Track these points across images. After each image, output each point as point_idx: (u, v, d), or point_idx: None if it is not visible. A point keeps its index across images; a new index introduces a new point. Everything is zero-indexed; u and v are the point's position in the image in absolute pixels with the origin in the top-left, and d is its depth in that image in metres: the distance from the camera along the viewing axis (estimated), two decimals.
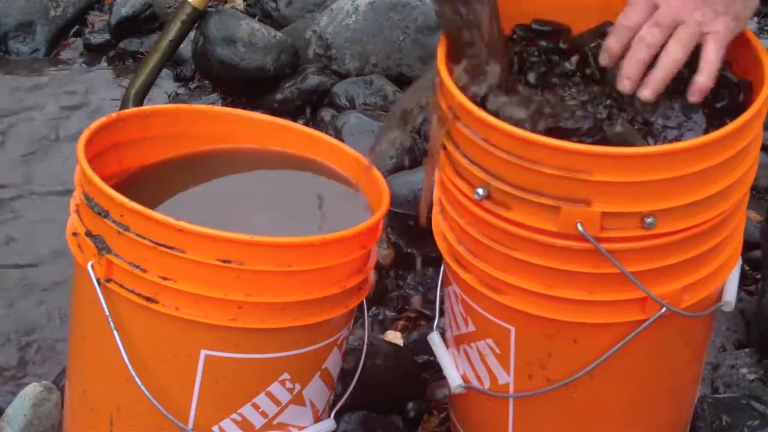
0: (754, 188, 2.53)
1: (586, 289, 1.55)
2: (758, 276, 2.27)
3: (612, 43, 1.57)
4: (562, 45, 1.71)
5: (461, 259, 1.63)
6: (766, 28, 3.12)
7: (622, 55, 1.56)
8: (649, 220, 1.49)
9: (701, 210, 1.52)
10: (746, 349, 2.08)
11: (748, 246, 2.30)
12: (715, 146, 1.49)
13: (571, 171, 1.46)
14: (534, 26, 1.73)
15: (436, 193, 1.67)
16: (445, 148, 1.59)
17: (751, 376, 2.02)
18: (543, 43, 1.71)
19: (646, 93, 1.53)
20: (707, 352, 2.05)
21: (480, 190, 1.53)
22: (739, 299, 2.19)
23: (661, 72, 1.53)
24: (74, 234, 1.65)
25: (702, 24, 1.52)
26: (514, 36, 1.72)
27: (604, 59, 1.59)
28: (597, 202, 1.48)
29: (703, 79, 1.53)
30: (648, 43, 1.53)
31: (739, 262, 1.68)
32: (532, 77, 1.65)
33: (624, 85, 1.55)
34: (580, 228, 1.49)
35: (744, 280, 2.27)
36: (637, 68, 1.54)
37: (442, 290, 1.79)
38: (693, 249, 1.55)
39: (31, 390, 1.94)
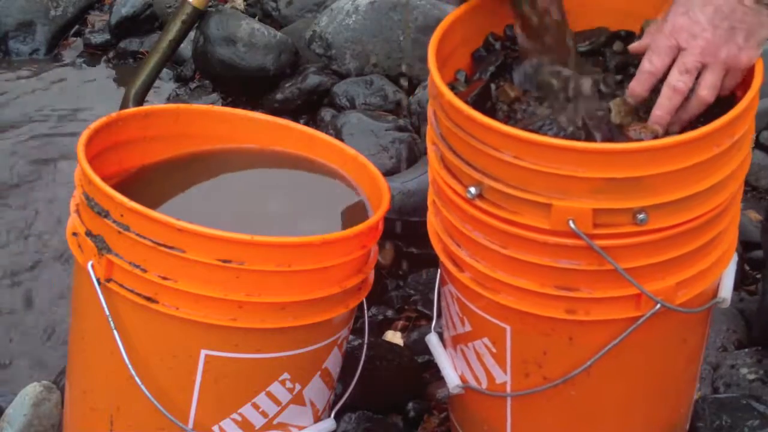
0: (754, 188, 2.53)
1: (580, 287, 1.55)
2: (758, 276, 2.27)
3: (638, 89, 1.59)
4: None
5: (456, 259, 1.63)
6: None
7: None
8: (640, 216, 1.49)
9: (693, 205, 1.52)
10: (746, 349, 2.08)
11: (748, 246, 2.30)
12: (706, 141, 1.49)
13: (562, 168, 1.46)
14: None
15: (430, 194, 1.68)
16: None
17: (751, 376, 2.02)
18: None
19: (675, 128, 1.57)
20: (707, 351, 2.05)
21: (472, 189, 1.54)
22: (739, 299, 2.20)
23: (691, 114, 1.57)
24: (74, 234, 1.65)
25: (726, 63, 1.55)
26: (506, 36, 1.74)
27: (630, 103, 1.60)
28: (588, 199, 1.48)
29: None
30: (680, 90, 1.55)
31: (735, 258, 1.68)
32: (517, 79, 1.66)
33: (655, 130, 1.57)
34: (572, 225, 1.49)
35: (744, 279, 2.27)
36: (670, 117, 1.56)
37: (439, 290, 1.79)
38: (686, 245, 1.55)
39: (31, 390, 1.94)
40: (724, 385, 2.02)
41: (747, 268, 2.29)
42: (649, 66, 1.57)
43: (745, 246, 2.30)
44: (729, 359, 2.06)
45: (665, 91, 1.56)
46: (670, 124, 1.57)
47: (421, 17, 2.81)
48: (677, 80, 1.55)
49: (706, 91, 1.55)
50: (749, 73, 1.57)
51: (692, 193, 1.50)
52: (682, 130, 1.57)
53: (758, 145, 2.61)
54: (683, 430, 1.84)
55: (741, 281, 2.26)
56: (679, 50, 1.55)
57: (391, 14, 2.83)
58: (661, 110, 1.56)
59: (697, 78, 1.55)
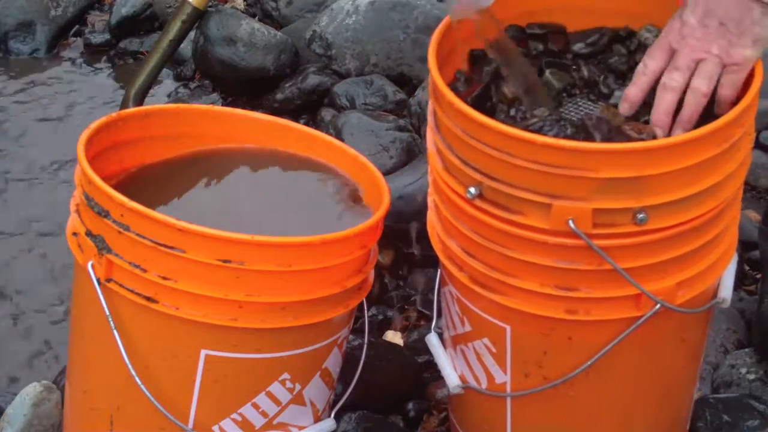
0: (754, 188, 2.54)
1: (579, 287, 1.55)
2: (758, 276, 2.27)
3: (633, 92, 1.58)
4: (552, 47, 1.72)
5: (456, 259, 1.63)
6: None
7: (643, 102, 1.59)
8: (640, 216, 1.49)
9: (693, 205, 1.52)
10: (746, 349, 2.08)
11: (748, 246, 2.30)
12: (705, 141, 1.49)
13: (562, 168, 1.46)
14: (528, 30, 1.74)
15: (430, 194, 1.68)
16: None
17: (751, 376, 2.02)
18: (536, 45, 1.72)
19: (678, 133, 1.55)
20: (707, 351, 2.05)
21: (472, 189, 1.54)
22: (739, 299, 2.20)
23: (689, 111, 1.55)
24: (74, 234, 1.65)
25: (720, 56, 1.54)
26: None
27: (624, 108, 1.59)
28: (588, 199, 1.48)
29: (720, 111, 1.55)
30: (671, 87, 1.55)
31: (735, 257, 1.68)
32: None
33: (657, 133, 1.56)
34: (572, 225, 1.49)
35: (744, 279, 2.27)
36: (666, 117, 1.56)
37: (439, 291, 1.79)
38: (686, 245, 1.55)
39: (31, 390, 1.94)
40: (724, 385, 2.02)
41: (746, 268, 2.30)
42: (642, 68, 1.58)
43: (745, 246, 2.30)
44: (729, 359, 2.06)
45: (658, 91, 1.56)
46: (674, 127, 1.56)
47: (421, 17, 2.81)
48: (668, 78, 1.55)
49: (699, 81, 1.54)
50: (749, 73, 1.57)
51: (692, 193, 1.50)
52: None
53: (758, 145, 2.61)
54: (684, 429, 1.84)
55: (741, 281, 2.27)
56: (672, 53, 1.56)
57: (391, 14, 2.83)
58: (657, 111, 1.56)
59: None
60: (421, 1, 2.84)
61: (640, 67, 1.58)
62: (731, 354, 2.08)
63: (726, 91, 1.55)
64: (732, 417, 1.87)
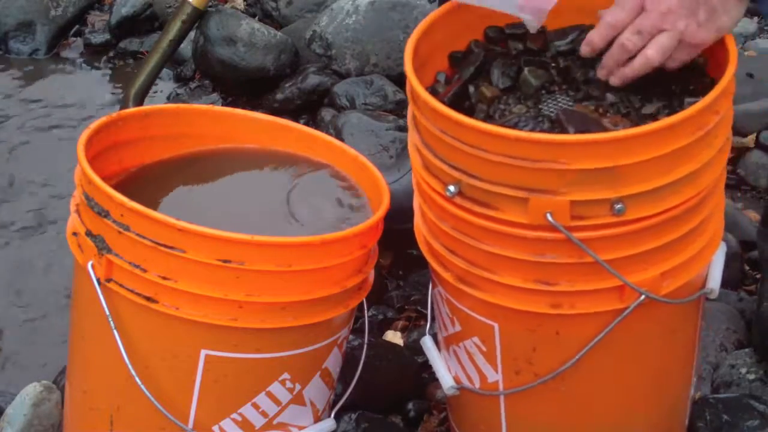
0: (754, 188, 2.54)
1: (562, 281, 1.55)
2: (758, 276, 2.26)
3: (595, 38, 1.61)
4: (531, 46, 1.72)
5: (441, 258, 1.63)
6: (766, 27, 3.12)
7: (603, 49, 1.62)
8: (618, 206, 1.49)
9: (670, 194, 1.51)
10: (746, 349, 2.08)
11: (748, 246, 2.30)
12: (679, 129, 1.49)
13: (537, 161, 1.47)
14: (507, 31, 1.74)
15: (416, 197, 1.68)
16: None
17: (751, 376, 2.02)
18: (515, 45, 1.72)
19: (614, 80, 1.60)
20: (707, 351, 2.05)
21: (451, 187, 1.54)
22: (738, 299, 2.20)
23: (633, 71, 1.59)
24: (74, 234, 1.65)
25: (683, 34, 1.55)
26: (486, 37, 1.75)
27: (585, 51, 1.63)
28: (565, 191, 1.48)
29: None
30: (627, 49, 1.58)
31: (723, 247, 1.67)
32: (497, 79, 1.67)
33: (601, 73, 1.62)
34: (550, 218, 1.49)
35: (744, 279, 2.27)
36: (614, 65, 1.60)
37: (431, 293, 1.79)
38: (667, 234, 1.54)
39: (31, 390, 1.94)
40: (724, 385, 2.02)
41: (747, 268, 2.30)
42: (611, 19, 1.59)
43: (745, 246, 2.30)
44: (729, 359, 2.06)
45: (614, 45, 1.59)
46: (614, 74, 1.59)
47: (421, 17, 2.80)
48: (627, 38, 1.57)
49: (652, 51, 1.56)
50: (723, 58, 1.57)
51: (668, 182, 1.50)
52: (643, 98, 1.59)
53: (758, 145, 2.61)
54: (682, 426, 1.84)
55: (741, 281, 2.27)
56: (641, 9, 1.56)
57: (391, 14, 2.83)
58: (605, 61, 1.60)
59: None
60: (421, 0, 2.84)
61: (609, 17, 1.59)
62: (731, 354, 2.07)
63: (673, 65, 1.59)
64: (732, 417, 1.87)
